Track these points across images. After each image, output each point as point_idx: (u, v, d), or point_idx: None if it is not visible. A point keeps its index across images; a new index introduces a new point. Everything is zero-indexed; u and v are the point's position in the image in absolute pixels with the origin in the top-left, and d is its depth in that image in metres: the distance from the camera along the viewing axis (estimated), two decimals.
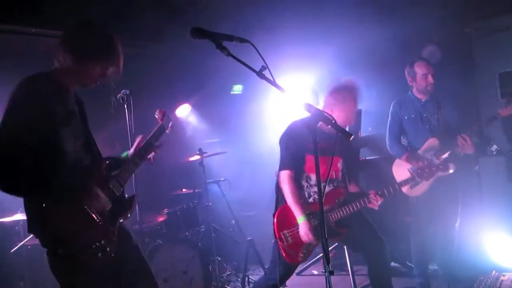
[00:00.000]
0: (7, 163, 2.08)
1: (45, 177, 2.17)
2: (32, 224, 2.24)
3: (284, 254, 3.29)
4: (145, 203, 4.10)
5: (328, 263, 2.01)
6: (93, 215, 2.29)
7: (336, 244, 4.96)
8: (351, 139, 1.99)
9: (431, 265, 4.48)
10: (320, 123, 3.31)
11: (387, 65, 5.50)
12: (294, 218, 3.30)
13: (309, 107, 2.00)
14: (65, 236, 2.20)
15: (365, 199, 3.37)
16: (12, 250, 4.12)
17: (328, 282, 2.00)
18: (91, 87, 2.47)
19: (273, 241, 3.36)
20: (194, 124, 6.57)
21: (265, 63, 2.02)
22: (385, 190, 3.41)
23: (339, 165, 3.47)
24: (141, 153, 2.75)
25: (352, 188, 3.64)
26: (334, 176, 3.45)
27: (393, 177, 4.17)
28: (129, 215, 2.59)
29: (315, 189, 3.39)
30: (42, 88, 2.23)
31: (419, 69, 4.05)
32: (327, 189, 3.40)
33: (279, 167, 3.43)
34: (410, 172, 3.84)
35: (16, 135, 2.11)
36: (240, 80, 6.79)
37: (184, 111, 6.55)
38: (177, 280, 4.07)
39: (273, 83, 2.02)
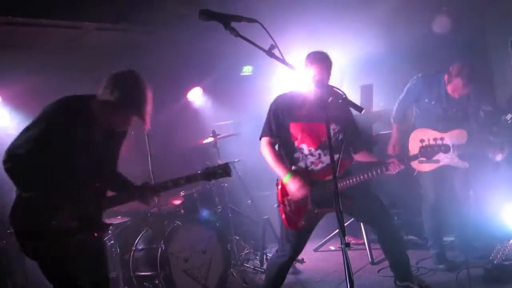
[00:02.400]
0: (24, 169, 2.44)
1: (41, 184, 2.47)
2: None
3: (285, 220, 3.31)
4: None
5: (344, 235, 2.05)
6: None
7: (351, 220, 5.01)
8: (362, 112, 2.01)
9: (447, 236, 4.51)
10: (305, 90, 3.38)
11: (398, 38, 5.46)
12: None
13: (318, 82, 2.03)
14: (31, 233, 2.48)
15: (383, 167, 3.36)
16: None
17: (345, 254, 2.03)
18: (114, 127, 2.67)
19: (275, 205, 3.40)
20: (206, 107, 6.62)
21: (274, 41, 2.03)
22: (405, 158, 3.45)
23: (331, 130, 3.38)
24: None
25: (364, 157, 3.60)
26: (326, 143, 3.33)
27: (408, 150, 4.18)
28: (89, 235, 2.67)
29: (311, 159, 3.38)
30: (72, 112, 2.50)
31: (456, 84, 4.00)
32: (327, 158, 3.37)
33: (260, 134, 3.48)
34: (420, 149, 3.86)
35: (34, 144, 2.42)
36: (250, 61, 6.79)
37: (196, 95, 6.60)
38: (197, 260, 4.15)
39: (282, 61, 2.04)
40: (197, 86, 6.56)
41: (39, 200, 2.48)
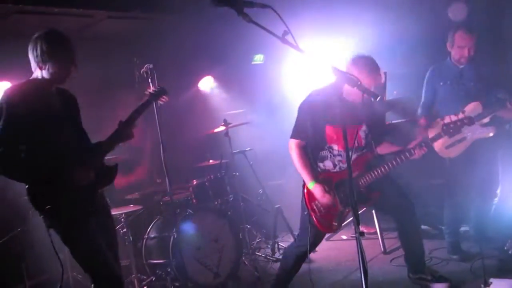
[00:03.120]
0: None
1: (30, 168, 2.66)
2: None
3: (318, 225, 3.31)
4: (174, 175, 4.17)
5: (358, 225, 2.03)
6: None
7: (364, 208, 4.99)
8: (377, 99, 1.97)
9: (463, 226, 4.47)
10: (344, 92, 3.34)
11: (412, 25, 5.37)
12: None
13: (334, 69, 1.99)
14: (48, 200, 2.66)
15: (406, 153, 3.35)
16: None
17: (359, 243, 2.01)
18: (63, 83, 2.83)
19: (305, 213, 3.36)
20: (217, 95, 6.60)
21: (287, 27, 2.01)
22: (428, 141, 3.42)
23: (361, 133, 3.43)
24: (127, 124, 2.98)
25: (386, 148, 3.58)
26: (357, 145, 3.41)
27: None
28: (108, 183, 2.96)
29: (339, 158, 3.39)
30: (23, 96, 2.64)
31: (458, 39, 3.89)
32: (354, 156, 3.39)
33: (291, 134, 3.44)
34: (440, 128, 3.79)
35: (8, 135, 2.58)
36: (261, 50, 6.74)
37: (207, 83, 6.58)
38: (208, 248, 4.16)
39: (296, 47, 2.01)
40: (208, 75, 6.54)
41: (49, 177, 2.64)
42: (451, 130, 3.51)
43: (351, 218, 5.11)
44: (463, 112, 3.46)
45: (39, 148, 2.67)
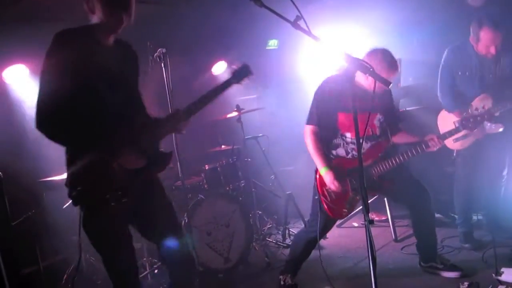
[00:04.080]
0: (46, 117, 2.28)
1: (73, 130, 2.32)
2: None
3: (328, 210, 3.32)
4: (186, 161, 4.20)
5: (367, 212, 2.02)
6: (112, 167, 2.36)
7: (375, 197, 4.96)
8: (389, 87, 1.94)
9: (475, 215, 4.43)
10: (356, 79, 3.31)
11: (429, 11, 5.27)
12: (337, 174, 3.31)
13: (346, 56, 1.97)
14: (80, 181, 2.32)
15: (422, 145, 3.33)
16: (64, 207, 4.33)
17: (368, 231, 2.00)
18: (117, 33, 2.44)
19: (316, 197, 3.39)
20: None
21: (300, 12, 1.98)
22: (446, 134, 3.40)
23: (375, 121, 3.42)
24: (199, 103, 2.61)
25: (402, 138, 3.56)
26: (371, 133, 3.41)
27: (437, 129, 4.06)
28: (159, 171, 2.62)
29: (352, 146, 3.39)
30: (74, 42, 2.30)
31: (484, 37, 3.71)
32: (367, 145, 3.38)
33: (306, 121, 3.44)
34: (455, 123, 3.72)
35: (49, 90, 2.26)
36: (276, 35, 6.68)
37: (220, 69, 6.55)
38: (219, 233, 4.19)
39: (308, 33, 1.98)
40: (221, 59, 6.50)
41: (91, 147, 2.33)
42: (470, 125, 3.45)
43: (361, 207, 5.13)
44: (483, 107, 3.40)
45: (83, 112, 2.32)
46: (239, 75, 2.73)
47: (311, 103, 3.45)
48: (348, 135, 3.38)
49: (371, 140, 3.41)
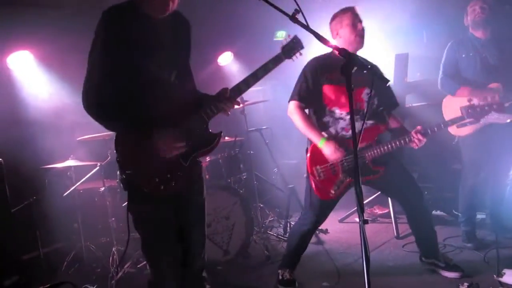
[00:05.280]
0: (97, 99, 2.21)
1: (120, 108, 2.25)
2: None
3: (315, 189, 3.26)
4: None
5: (362, 212, 1.98)
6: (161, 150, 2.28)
7: (379, 192, 4.92)
8: (387, 84, 1.89)
9: (479, 213, 4.38)
10: (330, 55, 3.29)
11: (439, 7, 5.18)
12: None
13: (344, 51, 1.92)
14: (129, 164, 2.27)
15: (406, 138, 3.23)
16: (65, 194, 4.35)
17: (362, 231, 1.97)
18: (166, 11, 2.32)
19: (304, 175, 3.34)
20: (236, 71, 6.52)
21: (298, 6, 1.95)
22: (428, 129, 3.22)
23: (363, 96, 3.31)
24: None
25: (392, 123, 3.49)
26: (359, 107, 3.30)
27: (443, 118, 3.99)
28: (207, 152, 2.52)
29: (342, 124, 3.29)
30: (123, 18, 2.25)
31: (470, 5, 3.91)
32: (348, 123, 3.26)
33: (289, 98, 3.38)
34: (461, 111, 3.67)
35: (99, 70, 2.20)
36: (284, 26, 6.60)
37: (226, 59, 6.50)
38: (219, 225, 4.17)
39: (306, 27, 1.94)
40: (228, 50, 6.46)
41: (140, 128, 2.26)
42: (477, 115, 3.36)
43: (366, 201, 5.12)
44: (493, 97, 3.34)
45: (132, 91, 2.26)
46: (290, 49, 2.57)
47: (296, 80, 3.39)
48: (337, 110, 3.29)
49: (360, 116, 3.27)
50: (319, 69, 3.29)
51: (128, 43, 2.23)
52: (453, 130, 3.87)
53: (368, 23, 3.28)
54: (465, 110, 3.38)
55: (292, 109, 3.33)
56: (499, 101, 3.38)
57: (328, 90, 3.28)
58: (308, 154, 3.30)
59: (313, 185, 3.27)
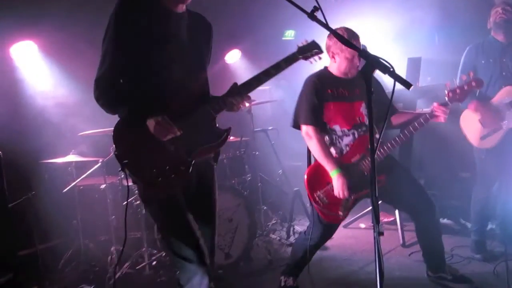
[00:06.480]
0: (108, 90, 2.22)
1: (129, 98, 2.25)
2: None
3: (323, 217, 3.17)
4: None
5: (378, 222, 1.87)
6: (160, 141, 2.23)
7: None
8: (410, 89, 1.78)
9: (489, 223, 4.27)
10: (329, 70, 3.23)
11: (453, 10, 5.08)
12: (326, 175, 3.15)
13: (365, 53, 1.81)
14: (126, 154, 2.20)
15: (427, 115, 3.10)
16: (64, 190, 4.25)
17: (377, 243, 1.85)
18: (184, 2, 2.30)
19: (308, 205, 3.26)
20: (244, 70, 6.41)
21: (318, 3, 1.84)
22: (446, 99, 3.12)
23: (362, 109, 3.26)
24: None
25: (400, 118, 3.36)
26: (359, 121, 3.24)
27: (461, 131, 3.90)
28: (214, 148, 2.43)
29: (346, 140, 3.21)
30: (136, 7, 2.23)
31: (493, 7, 3.80)
32: (353, 137, 3.20)
33: (297, 122, 3.28)
34: (480, 122, 3.58)
35: (109, 56, 2.18)
36: (292, 25, 6.50)
37: (234, 57, 6.40)
38: (222, 227, 4.06)
39: (325, 25, 1.83)
40: (235, 47, 6.35)
41: (145, 119, 2.20)
42: (457, 97, 3.24)
43: (369, 208, 5.01)
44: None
45: (143, 81, 2.25)
46: (306, 50, 2.50)
47: (296, 105, 3.31)
48: (337, 127, 3.22)
49: (360, 128, 3.23)
50: (321, 87, 3.22)
51: (142, 32, 2.20)
52: (477, 143, 3.75)
53: (381, 27, 3.17)
54: (447, 97, 3.23)
55: (311, 134, 3.21)
56: (476, 78, 3.25)
57: (328, 108, 3.21)
58: (306, 177, 3.20)
59: (320, 213, 3.16)
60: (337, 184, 3.09)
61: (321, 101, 3.20)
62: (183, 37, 2.34)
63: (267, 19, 5.80)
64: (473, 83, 3.17)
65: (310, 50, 2.50)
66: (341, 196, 3.09)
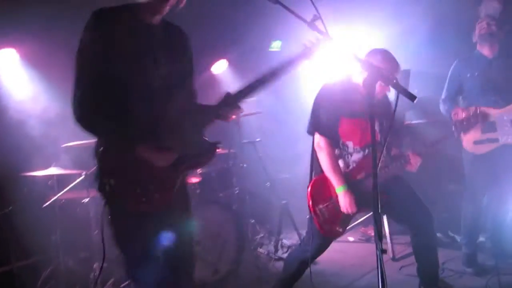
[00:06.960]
0: (88, 110, 2.07)
1: (111, 117, 2.09)
2: None
3: (321, 230, 3.09)
4: None
5: (380, 240, 1.79)
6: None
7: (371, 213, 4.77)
8: (414, 101, 1.72)
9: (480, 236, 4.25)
10: (348, 85, 3.12)
11: (442, 23, 5.10)
12: (329, 190, 3.10)
13: (367, 64, 1.75)
14: (109, 172, 2.08)
15: (402, 161, 3.12)
16: (45, 205, 4.07)
17: (380, 260, 1.77)
18: (161, 13, 2.19)
19: (307, 216, 3.18)
20: (231, 81, 6.33)
21: (318, 12, 1.78)
22: (422, 148, 3.17)
23: (376, 127, 3.19)
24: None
25: (393, 152, 3.35)
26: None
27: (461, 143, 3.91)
28: (202, 163, 2.34)
29: (355, 157, 3.16)
30: (114, 20, 2.11)
31: (479, 21, 3.87)
32: (361, 155, 3.15)
33: (312, 129, 3.19)
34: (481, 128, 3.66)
35: (86, 73, 2.07)
36: (279, 36, 6.46)
37: (220, 68, 6.32)
38: (209, 242, 3.95)
39: (325, 34, 1.77)
40: (222, 58, 6.27)
41: (128, 136, 2.09)
42: (464, 127, 3.38)
43: (358, 221, 4.96)
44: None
45: (122, 97, 2.11)
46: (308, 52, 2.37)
47: (313, 111, 3.20)
48: (350, 144, 3.15)
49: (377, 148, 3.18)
50: (338, 100, 3.10)
51: (117, 46, 2.10)
52: (469, 146, 3.79)
53: (368, 38, 3.14)
54: (453, 126, 3.43)
55: (322, 146, 3.13)
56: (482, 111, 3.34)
57: (345, 124, 3.12)
58: (309, 189, 3.12)
59: (319, 227, 3.08)
60: (344, 200, 3.03)
61: (336, 114, 3.11)
62: (160, 49, 2.24)
63: (254, 29, 5.75)
64: (479, 118, 3.44)
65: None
66: (349, 212, 3.03)
